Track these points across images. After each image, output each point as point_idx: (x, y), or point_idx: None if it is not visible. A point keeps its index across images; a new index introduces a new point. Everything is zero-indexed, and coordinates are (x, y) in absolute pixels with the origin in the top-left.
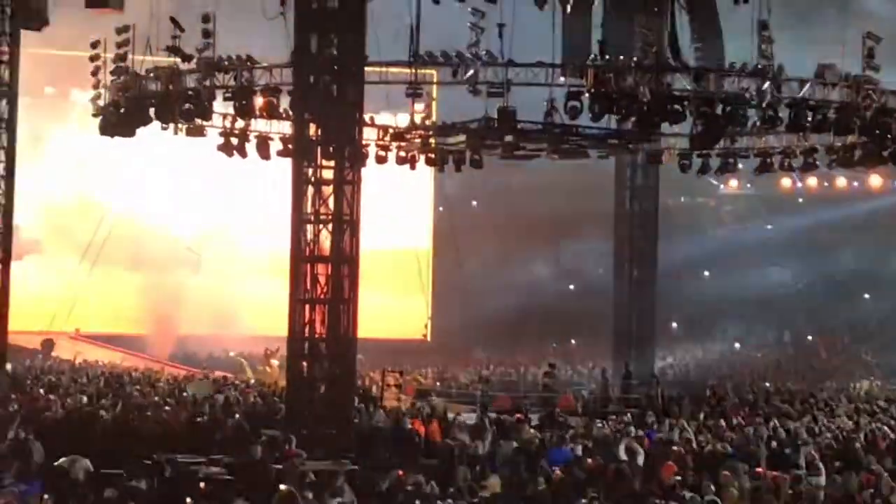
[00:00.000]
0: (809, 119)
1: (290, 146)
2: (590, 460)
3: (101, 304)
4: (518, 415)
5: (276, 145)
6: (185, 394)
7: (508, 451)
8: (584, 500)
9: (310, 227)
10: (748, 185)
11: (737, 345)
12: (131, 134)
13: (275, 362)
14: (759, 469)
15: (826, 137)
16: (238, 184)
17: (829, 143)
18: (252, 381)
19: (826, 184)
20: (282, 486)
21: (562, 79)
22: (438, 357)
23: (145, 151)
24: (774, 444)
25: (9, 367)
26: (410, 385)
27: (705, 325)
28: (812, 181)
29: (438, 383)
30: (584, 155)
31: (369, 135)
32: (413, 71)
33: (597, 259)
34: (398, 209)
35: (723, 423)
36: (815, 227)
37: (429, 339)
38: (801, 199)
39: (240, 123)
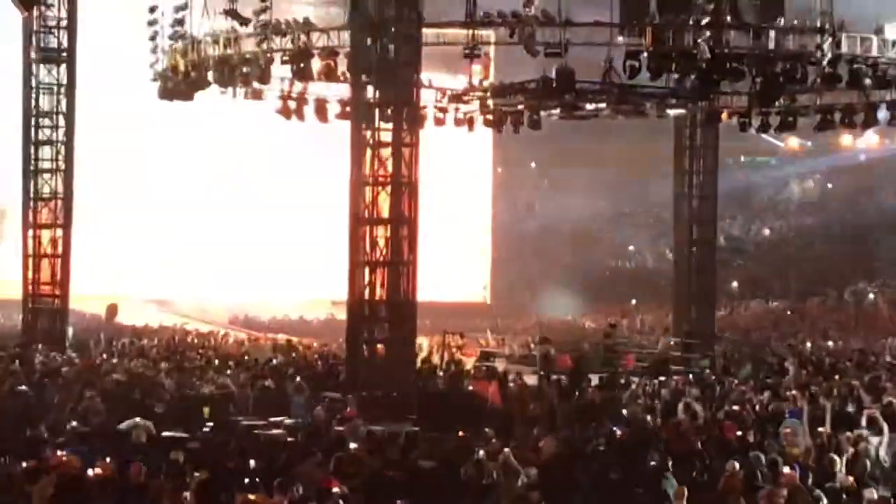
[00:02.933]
0: (870, 76)
1: (348, 109)
2: (650, 419)
3: (159, 268)
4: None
5: (333, 108)
6: (245, 357)
7: (569, 410)
8: (652, 462)
9: (368, 190)
10: (808, 143)
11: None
12: (190, 98)
13: None
14: (821, 429)
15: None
16: (294, 147)
17: (889, 99)
18: None
19: (888, 140)
20: (352, 445)
21: (620, 38)
22: (498, 319)
23: (198, 115)
24: (836, 403)
25: (70, 330)
26: (471, 347)
27: (766, 283)
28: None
29: (499, 345)
30: (643, 114)
31: (427, 97)
32: (470, 32)
33: (656, 219)
34: (457, 171)
35: (784, 382)
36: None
37: (488, 301)
38: (862, 157)
39: (298, 87)
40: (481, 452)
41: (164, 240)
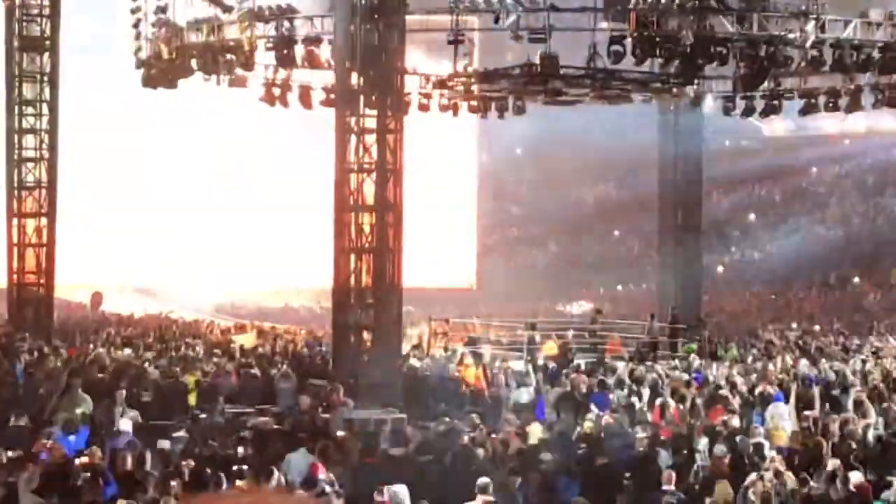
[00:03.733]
0: (853, 59)
1: (332, 96)
2: (636, 402)
3: (144, 256)
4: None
5: (318, 95)
6: (231, 345)
7: (555, 397)
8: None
9: (353, 177)
10: (793, 127)
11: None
12: (173, 86)
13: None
14: (808, 412)
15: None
16: (277, 134)
17: (873, 82)
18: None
19: (871, 123)
20: (339, 433)
21: (604, 23)
22: (485, 305)
23: (182, 106)
24: (824, 386)
25: (56, 319)
26: (457, 334)
27: (750, 268)
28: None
29: (486, 331)
30: (628, 99)
31: (411, 83)
32: (454, 18)
33: (641, 204)
34: (442, 158)
35: (771, 366)
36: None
37: (475, 287)
38: (847, 141)
39: (282, 74)
40: (467, 438)
41: (149, 229)
